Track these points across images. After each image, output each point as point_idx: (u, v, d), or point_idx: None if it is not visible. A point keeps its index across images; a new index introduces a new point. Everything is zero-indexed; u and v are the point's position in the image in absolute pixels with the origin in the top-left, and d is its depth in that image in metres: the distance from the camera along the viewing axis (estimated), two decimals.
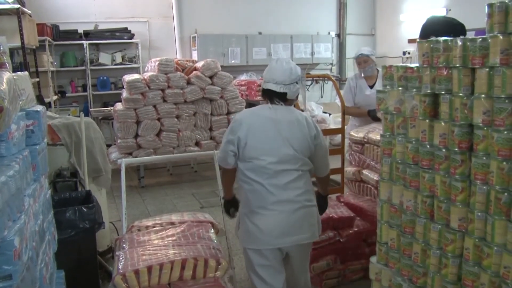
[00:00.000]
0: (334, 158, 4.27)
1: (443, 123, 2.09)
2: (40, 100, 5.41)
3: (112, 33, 8.01)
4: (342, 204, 3.62)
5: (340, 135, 4.59)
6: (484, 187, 1.92)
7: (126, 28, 8.11)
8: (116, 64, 8.08)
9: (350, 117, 4.67)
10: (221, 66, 6.41)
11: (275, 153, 2.40)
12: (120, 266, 2.49)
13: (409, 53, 8.64)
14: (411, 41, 8.50)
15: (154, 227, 3.09)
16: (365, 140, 3.83)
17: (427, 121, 2.18)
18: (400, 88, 2.39)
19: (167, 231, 2.96)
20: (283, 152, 2.40)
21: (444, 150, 2.10)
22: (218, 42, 8.53)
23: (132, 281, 2.41)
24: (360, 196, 3.90)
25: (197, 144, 6.25)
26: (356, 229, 3.38)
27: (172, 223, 3.12)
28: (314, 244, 2.65)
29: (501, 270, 1.87)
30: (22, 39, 5.38)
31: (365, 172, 3.84)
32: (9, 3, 5.31)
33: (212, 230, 3.03)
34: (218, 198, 2.77)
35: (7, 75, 1.76)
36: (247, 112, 2.54)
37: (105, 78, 8.07)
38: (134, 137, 5.95)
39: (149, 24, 8.44)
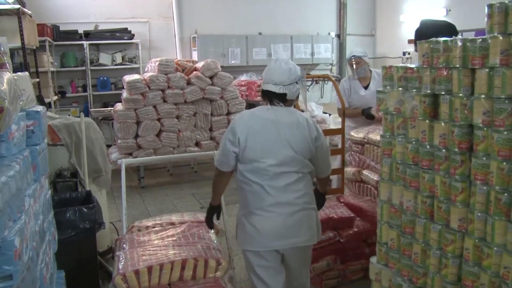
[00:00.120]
0: (334, 159, 4.28)
1: (443, 124, 2.10)
2: (40, 100, 5.41)
3: (112, 33, 8.01)
4: (342, 204, 3.62)
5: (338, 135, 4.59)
6: (484, 188, 1.93)
7: (126, 28, 8.12)
8: (116, 65, 8.09)
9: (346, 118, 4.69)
10: (221, 67, 6.42)
11: (275, 155, 2.37)
12: (120, 266, 2.49)
13: (409, 53, 8.64)
14: (411, 41, 8.49)
15: (154, 227, 3.09)
16: (365, 140, 3.83)
17: (427, 121, 2.18)
18: (400, 89, 2.39)
19: (167, 231, 2.97)
20: (283, 154, 2.37)
21: (444, 150, 2.10)
22: (218, 43, 8.53)
23: (132, 281, 2.41)
24: (360, 196, 3.90)
25: (197, 144, 6.25)
26: (356, 230, 3.38)
27: (172, 224, 3.13)
28: (314, 245, 2.63)
29: (501, 271, 1.87)
30: (22, 39, 5.38)
31: (365, 172, 3.84)
32: (9, 4, 5.31)
33: (212, 231, 3.03)
34: (221, 195, 2.74)
35: (7, 75, 1.77)
36: (247, 114, 2.49)
37: (105, 78, 8.07)
38: (134, 138, 5.95)
39: (149, 25, 8.44)
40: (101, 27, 8.03)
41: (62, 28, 7.69)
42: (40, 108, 2.24)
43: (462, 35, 2.77)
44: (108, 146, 5.88)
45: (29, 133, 2.06)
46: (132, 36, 8.12)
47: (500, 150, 1.84)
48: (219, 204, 2.68)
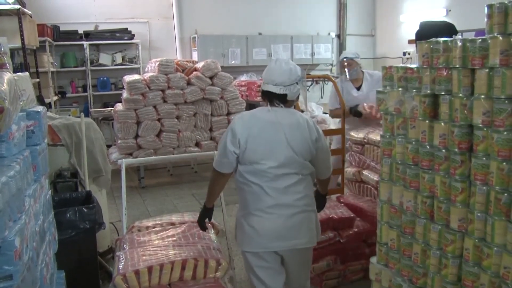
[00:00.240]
0: (334, 159, 4.28)
1: (443, 124, 2.10)
2: (40, 100, 5.41)
3: (112, 33, 8.01)
4: (342, 204, 3.62)
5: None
6: (484, 188, 1.93)
7: (126, 28, 8.12)
8: (116, 65, 8.09)
9: (338, 120, 4.72)
10: (221, 67, 6.41)
11: (275, 157, 2.36)
12: (121, 267, 2.49)
13: (409, 53, 8.64)
14: (411, 41, 8.49)
15: (154, 227, 3.09)
16: (365, 140, 3.83)
17: (427, 121, 2.18)
18: (400, 89, 2.39)
19: (167, 231, 2.97)
20: (284, 156, 2.36)
21: (444, 150, 2.10)
22: (218, 43, 8.54)
23: (132, 282, 2.41)
24: (360, 196, 3.90)
25: (197, 144, 6.25)
26: (356, 230, 3.38)
27: (172, 224, 3.13)
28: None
29: (501, 271, 1.87)
30: (22, 39, 5.38)
31: (365, 172, 3.84)
32: (9, 4, 5.31)
33: (212, 231, 3.03)
34: (218, 198, 2.74)
35: (7, 75, 1.77)
36: (247, 115, 2.47)
37: (105, 78, 8.07)
38: (134, 138, 5.95)
39: (149, 25, 8.44)
40: (101, 27, 8.03)
41: (62, 28, 7.69)
42: (40, 108, 2.25)
43: (462, 35, 2.77)
44: (108, 146, 5.88)
45: (29, 133, 2.06)
46: (132, 36, 8.12)
47: (500, 150, 1.84)
48: (212, 207, 2.65)
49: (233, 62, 8.67)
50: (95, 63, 8.00)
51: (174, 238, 2.83)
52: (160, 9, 8.46)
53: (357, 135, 3.94)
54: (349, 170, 4.04)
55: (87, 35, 7.84)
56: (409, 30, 8.84)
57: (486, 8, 1.90)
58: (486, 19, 1.91)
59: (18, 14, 5.32)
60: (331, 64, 9.79)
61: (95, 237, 3.08)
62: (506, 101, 1.81)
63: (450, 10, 7.93)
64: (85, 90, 8.04)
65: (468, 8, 7.05)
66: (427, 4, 8.40)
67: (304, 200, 2.43)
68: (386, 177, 2.52)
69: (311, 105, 8.48)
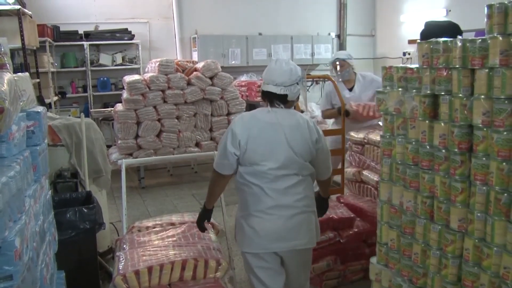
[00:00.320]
0: (334, 159, 4.28)
1: (443, 124, 2.10)
2: (40, 101, 5.41)
3: (112, 34, 8.01)
4: (342, 204, 3.63)
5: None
6: (484, 188, 1.93)
7: (127, 29, 8.12)
8: (116, 65, 8.09)
9: (332, 120, 4.74)
10: (221, 67, 6.41)
11: (275, 158, 2.35)
12: (121, 267, 2.49)
13: (409, 53, 8.64)
14: (411, 42, 8.49)
15: (154, 227, 3.09)
16: (365, 140, 3.83)
17: (427, 122, 2.19)
18: (400, 89, 2.39)
19: (167, 231, 2.97)
20: (284, 157, 2.35)
21: (444, 150, 2.10)
22: (218, 43, 8.53)
23: (132, 282, 2.41)
24: (360, 196, 3.90)
25: (197, 145, 6.25)
26: (356, 230, 3.38)
27: (173, 224, 3.13)
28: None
29: (501, 271, 1.87)
30: (22, 40, 5.38)
31: (365, 172, 3.85)
32: (9, 4, 5.31)
33: (212, 231, 3.03)
34: (218, 199, 2.74)
35: (8, 76, 1.77)
36: (247, 116, 2.46)
37: (105, 79, 8.07)
38: (134, 138, 5.95)
39: (149, 25, 8.44)
40: (101, 27, 8.03)
41: (62, 28, 7.69)
42: (40, 108, 2.25)
43: (462, 35, 2.77)
44: (108, 146, 5.88)
45: (29, 134, 2.07)
46: (132, 37, 8.12)
47: (499, 150, 1.84)
48: (212, 208, 2.64)
49: (233, 62, 8.67)
50: (95, 63, 8.01)
51: (174, 238, 2.83)
52: (160, 9, 8.46)
53: (357, 135, 3.94)
54: (349, 170, 4.05)
55: (87, 35, 7.84)
56: (409, 30, 8.85)
57: (486, 8, 1.90)
58: (486, 19, 1.91)
59: (18, 14, 5.32)
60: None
61: (95, 237, 3.08)
62: (506, 101, 1.81)
63: (450, 10, 7.93)
64: (85, 91, 8.04)
65: (468, 8, 7.05)
66: (427, 4, 8.40)
67: (304, 201, 2.43)
68: (386, 177, 2.52)
69: (311, 105, 8.49)
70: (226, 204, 3.41)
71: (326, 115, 4.60)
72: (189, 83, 6.07)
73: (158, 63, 6.00)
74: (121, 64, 8.10)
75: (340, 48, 9.80)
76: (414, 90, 2.28)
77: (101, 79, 8.05)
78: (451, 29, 2.95)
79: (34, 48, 6.29)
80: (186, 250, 2.62)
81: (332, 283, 3.35)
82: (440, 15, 8.04)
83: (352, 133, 4.01)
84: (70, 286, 2.57)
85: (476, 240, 1.98)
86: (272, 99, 2.43)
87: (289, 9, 9.23)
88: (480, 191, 1.94)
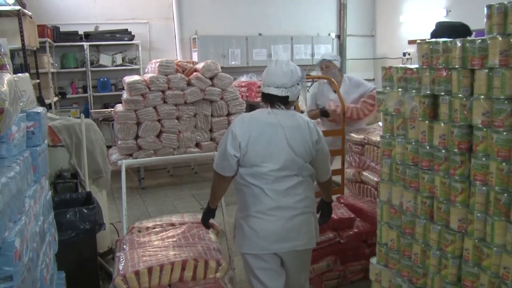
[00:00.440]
0: (334, 159, 4.28)
1: (442, 124, 2.10)
2: (40, 101, 5.41)
3: (112, 34, 8.01)
4: (342, 205, 3.62)
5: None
6: (484, 188, 1.93)
7: (127, 29, 8.12)
8: (116, 66, 8.09)
9: (318, 120, 4.74)
10: (221, 67, 6.41)
11: (276, 160, 2.35)
12: (121, 267, 2.49)
13: (409, 54, 8.65)
14: (411, 42, 8.50)
15: (154, 228, 3.09)
16: (365, 141, 3.83)
17: (427, 122, 2.19)
18: (399, 89, 2.39)
19: (167, 232, 2.97)
20: (284, 158, 2.35)
21: (443, 151, 2.10)
22: (218, 43, 8.54)
23: (132, 282, 2.41)
24: (360, 197, 3.90)
25: (197, 145, 6.25)
26: (356, 230, 3.38)
27: (173, 224, 3.13)
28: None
29: (501, 271, 1.87)
30: (22, 40, 5.39)
31: (365, 173, 3.85)
32: (9, 5, 5.32)
33: (213, 231, 3.03)
34: (221, 198, 2.74)
35: (7, 76, 1.77)
36: (247, 117, 2.44)
37: (105, 79, 8.08)
38: (134, 139, 5.95)
39: (149, 26, 8.45)
40: (102, 28, 8.04)
41: (62, 29, 7.69)
42: (40, 109, 2.25)
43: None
44: (109, 147, 5.88)
45: (29, 134, 2.07)
46: (132, 37, 8.13)
47: (499, 150, 1.84)
48: (216, 207, 2.65)
49: (233, 62, 8.67)
50: (95, 64, 8.01)
51: (174, 239, 2.83)
52: (160, 10, 8.46)
53: (357, 135, 3.94)
54: (349, 171, 4.05)
55: (87, 36, 7.84)
56: (409, 30, 8.85)
57: (485, 9, 1.90)
58: (485, 20, 1.91)
59: (18, 15, 5.32)
60: None
61: (95, 238, 3.08)
62: (506, 102, 1.81)
63: (450, 11, 7.94)
64: (85, 91, 8.04)
65: (468, 8, 7.05)
66: (427, 5, 8.41)
67: (304, 202, 2.43)
68: (386, 177, 2.52)
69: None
70: (226, 205, 3.41)
71: (310, 115, 4.61)
72: (189, 84, 6.07)
73: (158, 63, 6.00)
74: (121, 65, 8.11)
75: (340, 49, 9.81)
76: (414, 91, 2.28)
77: (101, 79, 8.06)
78: (461, 30, 2.93)
79: (34, 48, 6.29)
80: (186, 251, 2.62)
81: (332, 283, 3.34)
82: (440, 15, 8.04)
83: (352, 134, 4.02)
84: (70, 286, 2.57)
85: (476, 240, 1.98)
86: (273, 101, 2.42)
87: (289, 9, 9.23)
88: (480, 191, 1.94)
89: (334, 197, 3.84)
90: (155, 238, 2.89)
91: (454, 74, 2.03)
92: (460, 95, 2.01)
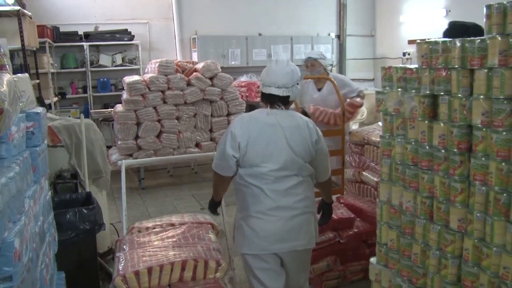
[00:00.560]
0: (333, 159, 4.28)
1: (442, 124, 2.10)
2: (40, 101, 5.41)
3: (112, 34, 8.02)
4: (342, 205, 3.62)
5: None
6: (483, 188, 1.93)
7: (126, 29, 8.13)
8: (116, 66, 8.09)
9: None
10: (221, 68, 6.41)
11: (276, 160, 2.35)
12: (120, 268, 2.49)
13: (409, 54, 8.65)
14: (411, 42, 8.50)
15: (154, 228, 3.09)
16: (365, 141, 3.83)
17: (426, 122, 2.19)
18: (399, 89, 2.40)
19: (167, 232, 2.97)
20: (284, 158, 2.35)
21: (443, 151, 2.10)
22: (218, 44, 8.54)
23: (132, 282, 2.41)
24: (360, 197, 3.91)
25: (197, 145, 6.25)
26: (356, 230, 3.38)
27: (172, 225, 3.13)
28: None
29: (501, 271, 1.87)
30: (22, 40, 5.39)
31: (365, 173, 3.85)
32: (9, 5, 5.32)
33: (212, 231, 3.03)
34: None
35: (7, 77, 1.77)
36: (246, 118, 2.44)
37: (105, 79, 8.08)
38: (134, 139, 5.95)
39: (149, 26, 8.45)
40: (101, 28, 8.04)
41: (62, 29, 7.70)
42: (40, 109, 2.25)
43: None
44: (108, 147, 5.88)
45: (29, 135, 2.07)
46: (132, 37, 8.13)
47: (499, 150, 1.84)
48: (221, 199, 2.69)
49: (233, 62, 8.68)
50: (95, 64, 8.01)
51: (174, 239, 2.83)
52: (160, 10, 8.47)
53: (357, 135, 3.94)
54: (349, 171, 4.05)
55: (87, 36, 7.84)
56: (409, 30, 8.86)
57: (484, 9, 1.90)
58: (484, 20, 1.91)
59: (18, 15, 5.32)
60: (331, 65, 9.79)
61: (95, 238, 3.08)
62: (505, 102, 1.81)
63: (450, 11, 7.94)
64: (85, 91, 8.04)
65: (467, 8, 7.05)
66: (427, 5, 8.41)
67: (304, 202, 2.43)
68: (386, 177, 2.52)
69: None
70: (226, 205, 3.41)
71: None
72: (189, 84, 6.07)
73: (158, 63, 6.00)
74: (121, 65, 8.11)
75: (340, 49, 9.82)
76: (414, 91, 2.28)
77: (101, 79, 8.06)
78: (474, 30, 2.92)
79: (34, 49, 6.29)
80: (186, 251, 2.62)
81: (332, 283, 3.34)
82: (440, 15, 8.05)
83: (352, 134, 4.02)
84: (70, 287, 2.57)
85: (476, 240, 1.98)
86: (274, 101, 2.42)
87: (289, 9, 9.24)
88: (480, 191, 1.94)
89: (334, 197, 3.85)
90: (155, 238, 2.89)
91: (453, 74, 2.03)
92: (459, 95, 2.01)
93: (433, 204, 2.19)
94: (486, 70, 1.88)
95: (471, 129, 1.99)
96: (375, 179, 3.60)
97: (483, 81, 1.89)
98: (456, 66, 2.01)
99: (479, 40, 1.90)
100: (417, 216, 2.29)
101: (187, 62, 6.56)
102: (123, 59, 8.19)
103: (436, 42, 2.12)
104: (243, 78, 8.18)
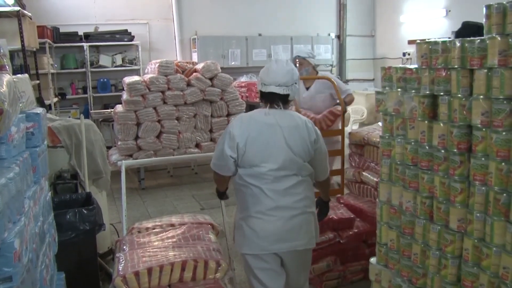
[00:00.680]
0: (334, 159, 4.29)
1: (442, 124, 2.10)
2: (40, 102, 5.42)
3: (112, 35, 8.02)
4: (342, 205, 3.63)
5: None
6: (483, 188, 1.93)
7: (126, 30, 8.13)
8: (116, 66, 8.10)
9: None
10: (221, 68, 6.41)
11: (275, 160, 2.35)
12: (120, 268, 2.49)
13: (409, 54, 8.65)
14: (411, 42, 8.50)
15: (154, 228, 3.09)
16: (365, 141, 3.83)
17: (426, 122, 2.19)
18: (399, 90, 2.40)
19: (167, 232, 2.97)
20: (283, 158, 2.35)
21: (443, 151, 2.10)
22: (218, 44, 8.54)
23: (132, 283, 2.41)
24: (360, 197, 3.90)
25: (197, 145, 6.25)
26: (356, 230, 3.38)
27: (172, 225, 3.13)
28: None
29: (500, 271, 1.87)
30: (22, 41, 5.39)
31: (365, 173, 3.85)
32: (9, 6, 5.32)
33: (212, 232, 3.03)
34: (218, 199, 2.75)
35: (7, 77, 1.77)
36: (245, 118, 2.45)
37: (105, 80, 8.08)
38: (134, 139, 5.95)
39: (149, 26, 8.46)
40: (101, 28, 8.05)
41: (62, 30, 7.70)
42: (40, 110, 2.25)
43: None
44: (108, 147, 5.88)
45: (29, 135, 2.07)
46: (132, 38, 8.13)
47: (498, 150, 1.84)
48: (226, 188, 2.71)
49: (233, 63, 8.68)
50: (95, 64, 8.01)
51: (174, 239, 2.83)
52: (160, 10, 8.47)
53: (357, 136, 3.94)
54: (349, 171, 4.05)
55: (87, 36, 7.85)
56: (409, 30, 8.86)
57: (484, 9, 1.91)
58: (484, 20, 1.91)
59: (18, 16, 5.32)
60: (331, 65, 9.80)
61: (95, 239, 3.08)
62: (505, 102, 1.81)
63: (450, 11, 7.94)
64: (85, 92, 8.05)
65: (467, 8, 7.06)
66: (427, 5, 8.41)
67: (304, 202, 2.43)
68: (386, 177, 2.52)
69: None
70: (226, 205, 3.41)
71: None
72: (189, 84, 6.07)
73: (158, 64, 6.00)
74: (121, 65, 8.12)
75: (340, 49, 9.82)
76: (413, 91, 2.28)
77: (101, 80, 8.06)
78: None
79: (34, 49, 6.29)
80: (186, 251, 2.62)
81: (332, 283, 3.34)
82: (440, 15, 8.05)
83: (352, 134, 4.02)
84: (70, 287, 2.57)
85: (476, 240, 1.98)
86: (273, 100, 2.43)
87: (289, 9, 9.24)
88: (479, 191, 1.94)
89: (334, 198, 3.86)
90: (155, 238, 2.89)
91: (453, 74, 2.03)
92: (459, 95, 2.01)
93: (433, 204, 2.20)
94: (485, 70, 1.88)
95: (471, 129, 1.99)
96: (375, 179, 3.60)
97: (482, 81, 1.89)
98: (456, 66, 2.01)
99: (478, 40, 1.90)
100: (417, 216, 2.29)
101: (187, 63, 6.56)
102: (123, 60, 8.19)
103: (435, 42, 2.12)
104: (243, 79, 8.18)
